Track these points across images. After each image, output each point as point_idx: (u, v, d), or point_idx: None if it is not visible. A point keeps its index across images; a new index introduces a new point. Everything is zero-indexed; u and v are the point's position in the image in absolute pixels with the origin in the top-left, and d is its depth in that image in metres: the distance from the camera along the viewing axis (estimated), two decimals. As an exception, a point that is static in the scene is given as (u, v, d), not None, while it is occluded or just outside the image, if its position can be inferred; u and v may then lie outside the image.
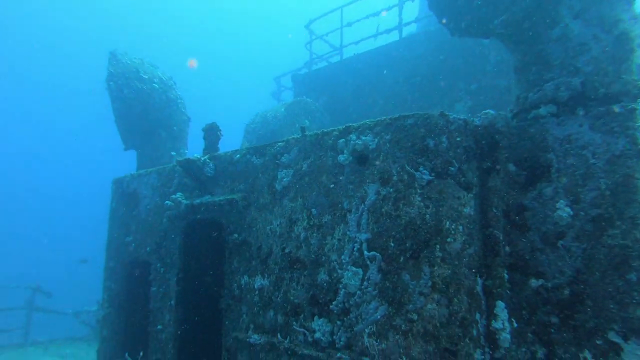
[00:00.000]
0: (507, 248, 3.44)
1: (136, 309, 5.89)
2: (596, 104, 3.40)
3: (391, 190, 3.31)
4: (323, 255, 3.64)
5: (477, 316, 3.11)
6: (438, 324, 2.98)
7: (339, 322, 3.42)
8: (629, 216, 3.12)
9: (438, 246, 3.08)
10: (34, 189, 58.03)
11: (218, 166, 4.87)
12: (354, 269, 3.39)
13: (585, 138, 3.34)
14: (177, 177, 5.31)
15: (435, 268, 3.05)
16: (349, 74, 10.13)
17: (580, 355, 3.12)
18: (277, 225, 4.06)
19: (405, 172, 3.27)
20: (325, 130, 3.92)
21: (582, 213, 3.25)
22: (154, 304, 5.26)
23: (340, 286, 3.44)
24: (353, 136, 3.61)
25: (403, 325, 3.06)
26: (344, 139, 3.67)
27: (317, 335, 3.51)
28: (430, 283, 3.04)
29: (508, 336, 3.15)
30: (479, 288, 3.19)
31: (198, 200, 4.85)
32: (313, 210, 3.80)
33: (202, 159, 4.85)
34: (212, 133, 5.45)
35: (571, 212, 3.28)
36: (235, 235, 4.42)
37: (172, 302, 5.03)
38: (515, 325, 3.30)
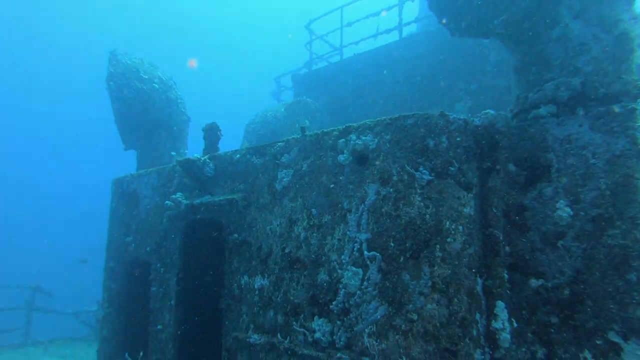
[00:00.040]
0: (507, 248, 3.44)
1: (136, 309, 5.89)
2: (596, 104, 3.40)
3: (391, 190, 3.31)
4: (323, 255, 3.64)
5: (477, 316, 3.11)
6: (438, 324, 2.98)
7: (339, 322, 3.42)
8: (629, 216, 3.12)
9: (438, 246, 3.08)
10: (34, 189, 58.07)
11: (218, 166, 4.87)
12: (354, 269, 3.39)
13: (585, 138, 3.34)
14: (177, 177, 5.31)
15: (435, 268, 3.05)
16: (349, 74, 10.14)
17: (580, 355, 3.12)
18: (277, 225, 4.06)
19: (405, 172, 3.27)
20: (325, 130, 3.92)
21: (582, 213, 3.25)
22: (154, 304, 5.26)
23: (340, 286, 3.44)
24: (353, 136, 3.61)
25: (403, 325, 3.06)
26: (344, 139, 3.67)
27: (317, 335, 3.52)
28: (430, 283, 3.04)
29: (508, 336, 3.15)
30: (479, 288, 3.19)
31: (198, 200, 4.85)
32: (313, 210, 3.80)
33: (202, 159, 4.85)
34: (212, 133, 5.45)
35: (571, 212, 3.28)
36: (235, 235, 4.42)
37: (172, 302, 5.03)
38: (515, 325, 3.30)
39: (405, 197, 3.23)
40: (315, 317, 3.58)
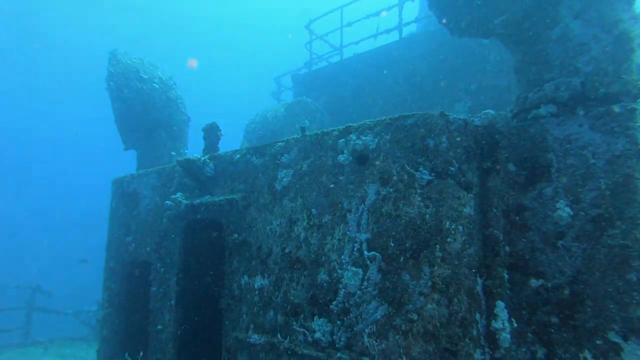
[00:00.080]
0: (507, 248, 3.44)
1: (136, 309, 5.90)
2: (596, 104, 3.40)
3: (391, 190, 3.31)
4: (323, 255, 3.64)
5: (477, 316, 3.11)
6: (438, 324, 2.98)
7: (339, 322, 3.42)
8: (629, 216, 3.12)
9: (438, 246, 3.08)
10: (35, 188, 58.07)
11: (218, 166, 4.87)
12: (354, 269, 3.39)
13: (585, 138, 3.34)
14: (177, 177, 5.31)
15: (435, 268, 3.05)
16: (349, 74, 10.13)
17: (580, 355, 3.12)
18: (277, 225, 4.06)
19: (405, 172, 3.27)
20: (325, 130, 3.92)
21: (582, 213, 3.25)
22: (154, 304, 5.26)
23: (340, 286, 3.44)
24: (353, 136, 3.61)
25: (403, 325, 3.06)
26: (344, 139, 3.67)
27: (317, 335, 3.52)
28: (430, 283, 3.04)
29: (508, 336, 3.15)
30: (479, 288, 3.19)
31: (198, 200, 4.85)
32: (313, 210, 3.80)
33: (202, 159, 4.86)
34: (212, 133, 5.45)
35: (571, 212, 3.28)
36: (235, 235, 4.42)
37: (172, 302, 5.03)
38: (515, 325, 3.30)
39: (405, 197, 3.23)
40: (315, 317, 3.58)
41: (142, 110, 7.66)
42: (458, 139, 3.33)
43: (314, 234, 3.74)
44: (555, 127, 3.47)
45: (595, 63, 3.50)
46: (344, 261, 3.48)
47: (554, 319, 3.23)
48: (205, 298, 5.07)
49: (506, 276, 3.34)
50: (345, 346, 3.34)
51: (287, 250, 3.92)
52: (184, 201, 4.95)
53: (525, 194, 3.49)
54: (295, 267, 3.83)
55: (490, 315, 3.20)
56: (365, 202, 3.43)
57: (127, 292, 5.99)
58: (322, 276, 3.61)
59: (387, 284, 3.19)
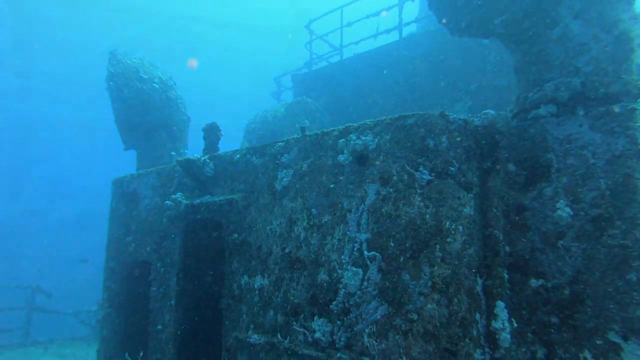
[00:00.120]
0: (507, 248, 3.44)
1: (136, 309, 5.90)
2: (596, 104, 3.40)
3: (391, 190, 3.31)
4: (323, 255, 3.64)
5: (477, 316, 3.11)
6: (438, 324, 2.98)
7: (339, 322, 3.42)
8: (629, 216, 3.12)
9: (438, 246, 3.08)
10: (34, 188, 58.06)
11: (218, 166, 4.87)
12: (354, 269, 3.39)
13: (585, 138, 3.34)
14: (177, 177, 5.31)
15: (435, 268, 3.05)
16: (349, 74, 10.13)
17: (580, 355, 3.12)
18: (277, 225, 4.06)
19: (405, 172, 3.27)
20: (325, 130, 3.92)
21: (582, 213, 3.25)
22: (154, 304, 5.26)
23: (340, 286, 3.44)
24: (353, 136, 3.61)
25: (403, 325, 3.06)
26: (344, 139, 3.67)
27: (317, 335, 3.51)
28: (430, 283, 3.04)
29: (508, 336, 3.15)
30: (479, 288, 3.19)
31: (198, 200, 4.85)
32: (313, 210, 3.80)
33: (202, 159, 4.86)
34: (212, 133, 5.45)
35: (571, 212, 3.28)
36: (235, 235, 4.42)
37: (172, 302, 5.03)
38: (515, 325, 3.30)
39: (405, 197, 3.23)
40: (315, 317, 3.58)
41: (142, 110, 7.66)
42: (458, 139, 3.33)
43: (314, 234, 3.74)
44: (555, 127, 3.47)
45: (595, 63, 3.50)
46: (344, 261, 3.48)
47: (554, 319, 3.23)
48: (205, 298, 5.07)
49: (506, 276, 3.34)
50: (345, 346, 3.34)
51: (287, 250, 3.92)
52: (184, 201, 4.95)
53: (525, 194, 3.49)
54: (295, 267, 3.83)
55: (490, 315, 3.20)
56: (365, 202, 3.43)
57: (127, 292, 6.00)
58: (322, 276, 3.61)
59: (387, 284, 3.19)
